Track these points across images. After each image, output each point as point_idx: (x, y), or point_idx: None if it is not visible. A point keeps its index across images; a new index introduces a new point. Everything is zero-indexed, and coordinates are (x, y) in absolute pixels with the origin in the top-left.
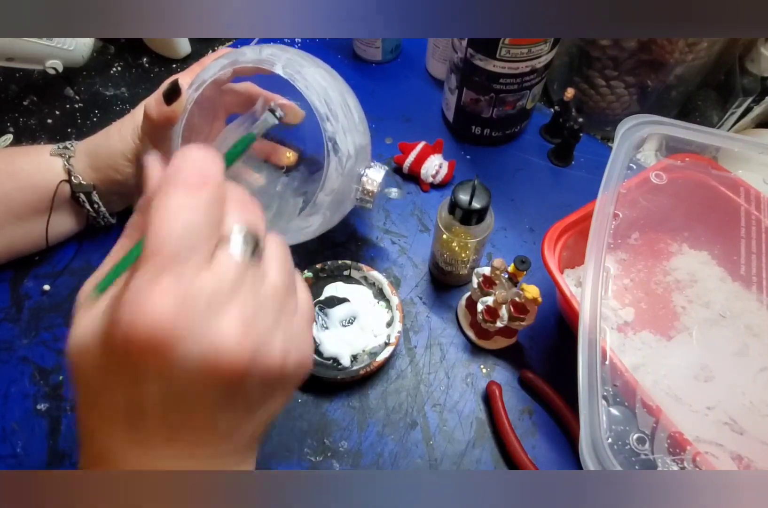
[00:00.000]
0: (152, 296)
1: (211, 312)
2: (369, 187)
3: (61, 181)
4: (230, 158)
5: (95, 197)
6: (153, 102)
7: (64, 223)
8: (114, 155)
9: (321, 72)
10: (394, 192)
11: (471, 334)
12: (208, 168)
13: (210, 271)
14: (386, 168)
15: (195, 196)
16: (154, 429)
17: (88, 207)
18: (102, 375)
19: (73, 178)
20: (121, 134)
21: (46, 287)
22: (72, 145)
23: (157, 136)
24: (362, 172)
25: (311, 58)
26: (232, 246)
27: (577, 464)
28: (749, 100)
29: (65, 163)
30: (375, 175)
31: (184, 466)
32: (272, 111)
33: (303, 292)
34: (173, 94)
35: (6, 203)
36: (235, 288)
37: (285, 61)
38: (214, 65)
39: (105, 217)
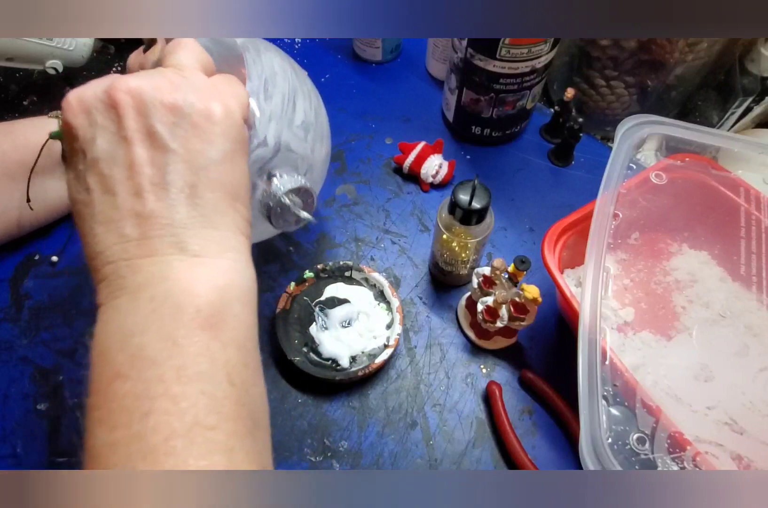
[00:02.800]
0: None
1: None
2: (273, 188)
3: (49, 137)
4: None
5: None
6: (133, 54)
7: (55, 188)
8: None
9: (285, 67)
10: (305, 214)
11: (471, 334)
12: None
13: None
14: (308, 188)
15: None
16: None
17: None
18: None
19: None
20: None
21: (55, 259)
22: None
23: None
24: (275, 174)
25: (291, 62)
26: None
27: (577, 464)
28: (749, 100)
29: (60, 122)
30: (287, 182)
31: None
32: None
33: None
34: (150, 43)
35: (2, 161)
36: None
37: (254, 43)
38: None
39: None
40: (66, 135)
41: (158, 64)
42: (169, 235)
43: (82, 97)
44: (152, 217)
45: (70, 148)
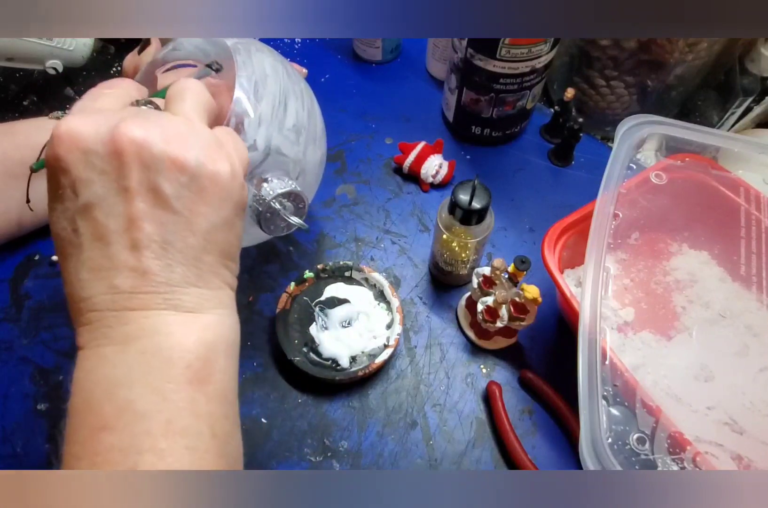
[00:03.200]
0: (59, 125)
1: (104, 117)
2: (263, 192)
3: (32, 168)
4: (161, 96)
5: None
6: (128, 55)
7: None
8: None
9: (277, 67)
10: (295, 219)
11: (471, 334)
12: (121, 80)
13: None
14: (299, 192)
15: (105, 88)
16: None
17: None
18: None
19: None
20: None
21: (54, 258)
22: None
23: None
24: (265, 178)
25: (285, 63)
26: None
27: (577, 464)
28: (749, 100)
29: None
30: (276, 187)
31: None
32: (210, 66)
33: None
34: (145, 44)
35: (3, 161)
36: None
37: (245, 44)
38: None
39: None
40: (52, 167)
41: (163, 62)
42: (163, 293)
43: (79, 133)
44: (147, 274)
45: (56, 182)
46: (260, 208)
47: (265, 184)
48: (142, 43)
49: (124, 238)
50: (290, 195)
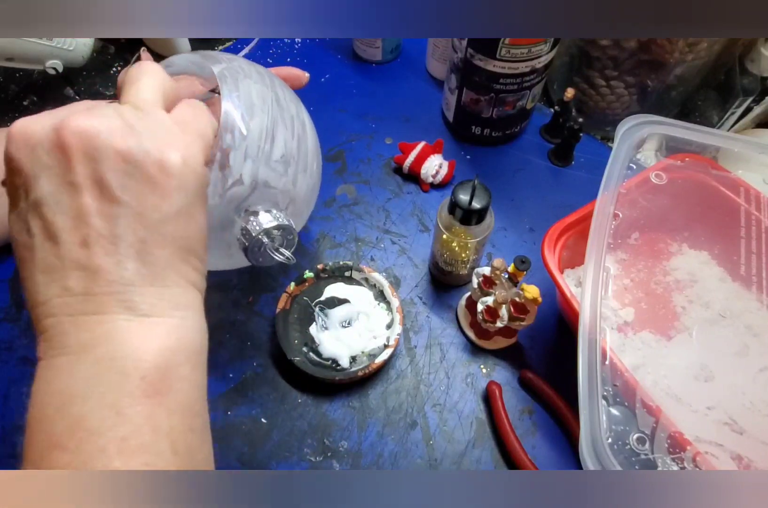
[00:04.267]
0: (12, 126)
1: (51, 113)
2: (250, 226)
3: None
4: None
5: None
6: (124, 70)
7: None
8: None
9: (266, 94)
10: (281, 255)
11: (471, 334)
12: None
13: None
14: (287, 225)
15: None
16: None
17: None
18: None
19: None
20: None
21: None
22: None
23: None
24: (253, 211)
25: (275, 86)
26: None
27: (577, 464)
28: (749, 100)
29: None
30: (263, 221)
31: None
32: (213, 91)
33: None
34: (137, 60)
35: (3, 166)
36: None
37: (233, 71)
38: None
39: None
40: (8, 169)
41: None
42: (116, 293)
43: (27, 129)
44: (99, 272)
45: (11, 183)
46: (246, 243)
47: (252, 218)
48: (135, 59)
49: (73, 236)
50: (279, 227)
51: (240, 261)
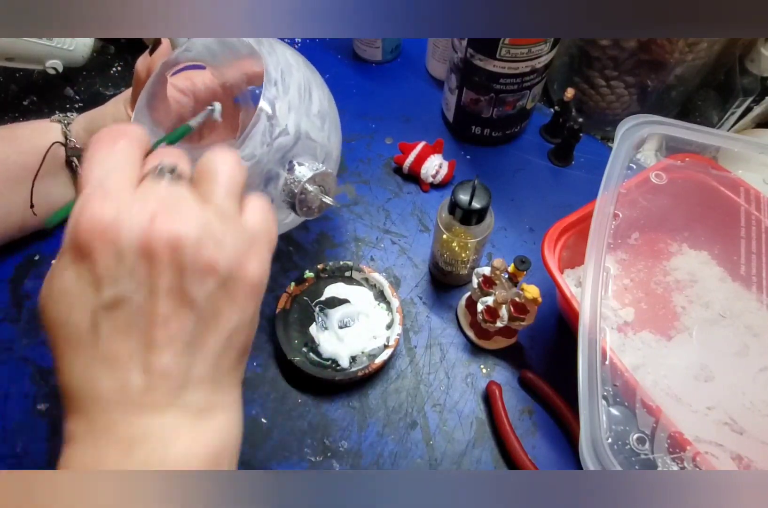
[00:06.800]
0: (86, 209)
1: (134, 207)
2: (296, 175)
3: (54, 142)
4: (167, 141)
5: None
6: (140, 58)
7: (59, 192)
8: (105, 119)
9: (298, 59)
10: (328, 199)
11: (471, 334)
12: (127, 127)
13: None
14: (329, 173)
15: (114, 144)
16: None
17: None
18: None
19: (68, 140)
20: (115, 101)
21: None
22: (72, 115)
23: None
24: (296, 162)
25: (302, 56)
26: (150, 173)
27: (577, 464)
28: (749, 100)
29: (63, 127)
30: (308, 169)
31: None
32: (212, 110)
33: (250, 213)
34: (156, 45)
35: (6, 165)
36: (155, 194)
37: (267, 42)
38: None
39: None
40: (74, 250)
41: (174, 63)
42: (176, 393)
43: (107, 225)
44: (164, 373)
45: (74, 267)
46: (295, 190)
47: (297, 168)
48: (153, 44)
49: (146, 337)
50: (321, 176)
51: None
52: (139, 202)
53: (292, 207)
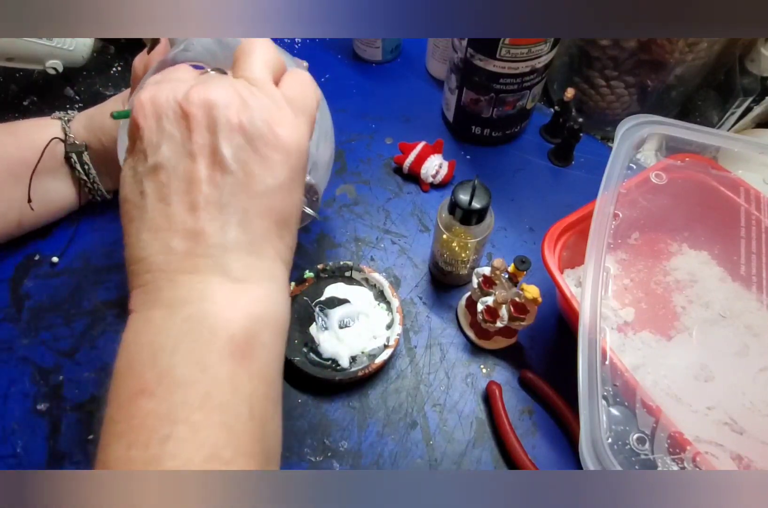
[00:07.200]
0: (135, 95)
1: (176, 85)
2: None
3: (53, 138)
4: None
5: (86, 158)
6: (138, 55)
7: (57, 189)
8: (105, 117)
9: (291, 65)
10: (309, 211)
11: (471, 334)
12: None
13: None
14: (312, 184)
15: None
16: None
17: (79, 168)
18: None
19: (67, 137)
20: (115, 100)
21: (55, 259)
22: (73, 112)
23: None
24: None
25: (297, 62)
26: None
27: (577, 464)
28: (749, 100)
29: (63, 123)
30: None
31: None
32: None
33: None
34: (154, 43)
35: (5, 160)
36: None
37: None
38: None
39: (97, 186)
40: (132, 133)
41: (172, 62)
42: (214, 256)
43: (156, 100)
44: (202, 235)
45: (132, 147)
46: None
47: None
48: (151, 43)
49: (184, 200)
50: (304, 187)
51: None
52: (181, 82)
53: None
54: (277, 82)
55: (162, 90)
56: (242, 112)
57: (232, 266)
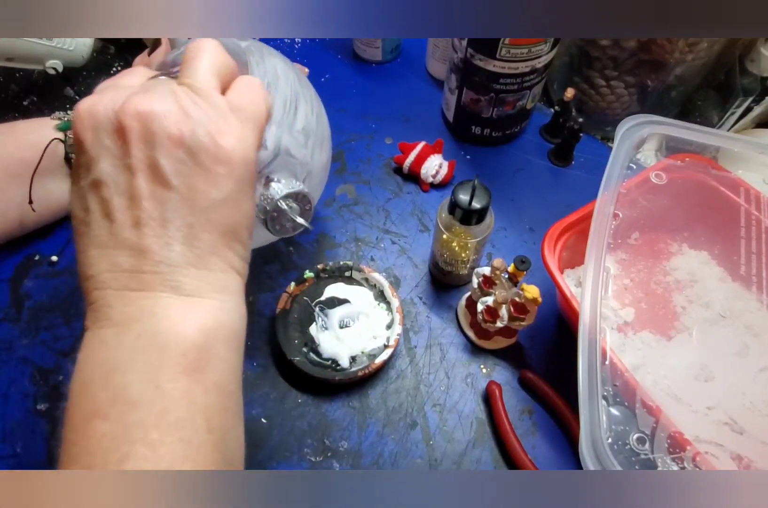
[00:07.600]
0: (77, 104)
1: (115, 93)
2: (270, 192)
3: (54, 139)
4: None
5: None
6: (138, 57)
7: (58, 189)
8: None
9: (288, 72)
10: (300, 220)
11: (471, 334)
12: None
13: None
14: (306, 193)
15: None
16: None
17: None
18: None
19: (67, 137)
20: None
21: (54, 258)
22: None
23: None
24: (273, 178)
25: (294, 69)
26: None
27: (577, 464)
28: (749, 100)
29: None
30: (284, 187)
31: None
32: None
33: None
34: (155, 45)
35: (5, 159)
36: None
37: (258, 47)
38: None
39: None
40: (75, 147)
41: (172, 64)
42: (162, 273)
43: (93, 110)
44: (147, 252)
45: (77, 161)
46: (267, 208)
47: (273, 184)
48: (152, 44)
49: (126, 216)
50: (297, 196)
51: (257, 239)
52: (123, 90)
53: (265, 224)
54: (225, 88)
55: (102, 99)
56: (182, 124)
57: (181, 281)
